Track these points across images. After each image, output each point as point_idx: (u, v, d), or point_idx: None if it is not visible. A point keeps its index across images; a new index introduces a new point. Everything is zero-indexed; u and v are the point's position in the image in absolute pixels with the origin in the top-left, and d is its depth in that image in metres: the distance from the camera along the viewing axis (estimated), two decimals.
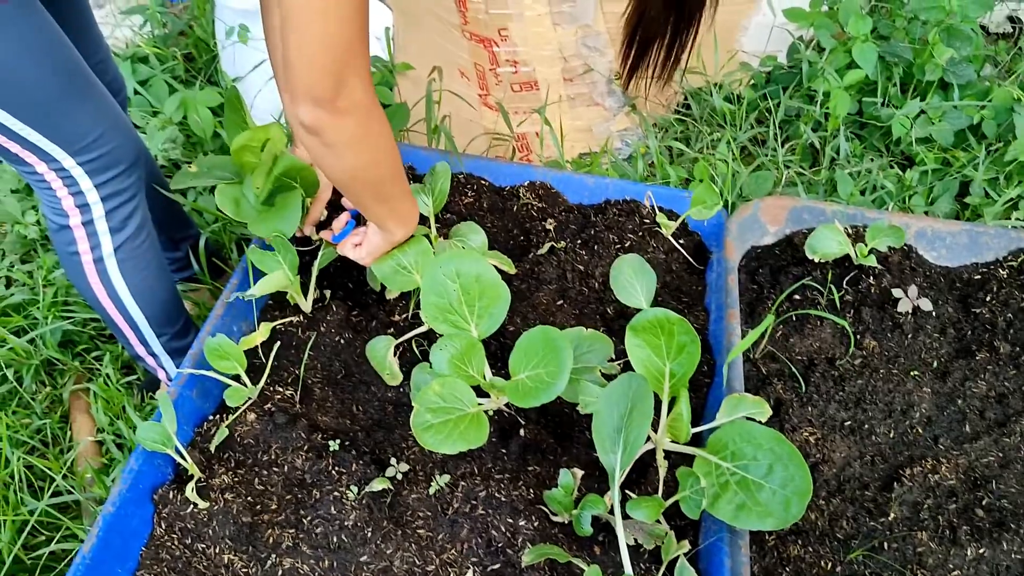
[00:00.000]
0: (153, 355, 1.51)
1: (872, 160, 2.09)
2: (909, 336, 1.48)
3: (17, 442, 1.46)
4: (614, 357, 1.30)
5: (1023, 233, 1.58)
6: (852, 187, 1.94)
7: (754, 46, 2.37)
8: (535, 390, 1.16)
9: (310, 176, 1.35)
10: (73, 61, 1.19)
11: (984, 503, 1.28)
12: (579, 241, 1.58)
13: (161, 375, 1.55)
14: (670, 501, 1.16)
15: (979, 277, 1.57)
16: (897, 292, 1.48)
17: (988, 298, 1.53)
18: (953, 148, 2.10)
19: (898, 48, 2.15)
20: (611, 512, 1.14)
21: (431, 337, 1.42)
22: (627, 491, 1.22)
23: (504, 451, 1.29)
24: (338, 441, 1.28)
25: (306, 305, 1.44)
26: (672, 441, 1.21)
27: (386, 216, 1.27)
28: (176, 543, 1.17)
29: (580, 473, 1.21)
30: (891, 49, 2.16)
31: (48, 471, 1.42)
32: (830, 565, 1.22)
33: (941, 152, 2.08)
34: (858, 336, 1.47)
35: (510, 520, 1.19)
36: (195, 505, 1.17)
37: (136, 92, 2.15)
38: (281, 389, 1.34)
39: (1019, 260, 1.56)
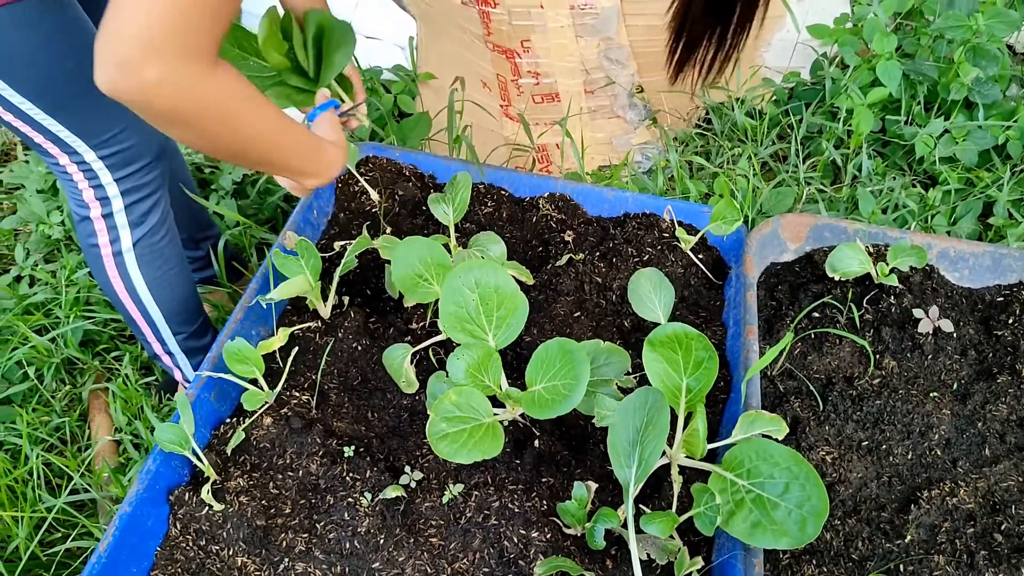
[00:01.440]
0: (170, 353, 1.52)
1: (895, 179, 2.07)
2: (929, 357, 1.47)
3: (36, 439, 1.47)
4: (631, 371, 1.30)
5: None
6: (874, 205, 1.93)
7: (777, 62, 2.37)
8: (551, 402, 1.16)
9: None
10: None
11: (1003, 528, 1.27)
12: (597, 254, 1.58)
13: (177, 375, 1.56)
14: (684, 517, 1.15)
15: (1002, 299, 1.56)
16: (918, 312, 1.47)
17: (1011, 320, 1.51)
18: (977, 168, 2.08)
19: (923, 66, 2.14)
20: (624, 526, 1.14)
21: (448, 346, 1.42)
22: (641, 505, 1.22)
23: (518, 462, 1.28)
24: (353, 447, 1.29)
25: (325, 311, 1.45)
26: (687, 456, 1.21)
27: (283, 175, 1.20)
28: (191, 544, 1.17)
29: (594, 486, 1.21)
30: (916, 67, 2.15)
31: (66, 469, 1.43)
32: None
33: (965, 172, 2.07)
34: (877, 356, 1.46)
35: (523, 531, 1.19)
36: (210, 507, 1.18)
37: None
38: (298, 394, 1.35)
39: None
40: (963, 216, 2.03)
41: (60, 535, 1.40)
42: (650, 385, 1.18)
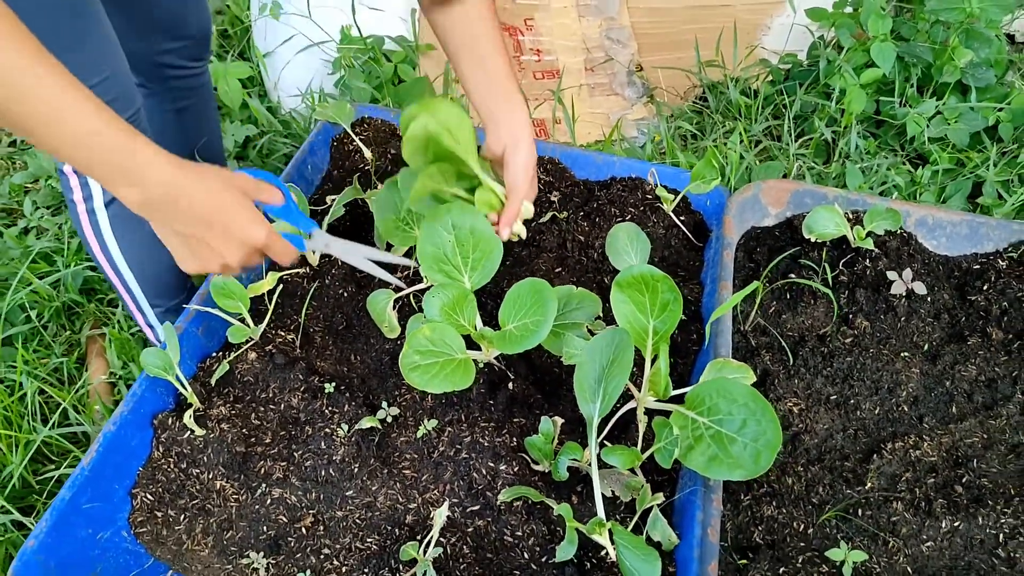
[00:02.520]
0: (143, 313, 1.53)
1: (886, 158, 2.10)
2: (902, 319, 1.50)
3: (35, 377, 1.53)
4: (602, 316, 1.33)
5: None
6: (861, 181, 1.96)
7: (775, 45, 2.40)
8: (520, 337, 1.20)
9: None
10: (78, 2, 1.12)
11: (964, 480, 1.29)
12: (581, 213, 1.62)
13: (150, 335, 1.59)
14: (647, 453, 1.19)
15: (978, 267, 1.58)
16: (892, 274, 1.50)
17: (985, 287, 1.54)
18: (968, 149, 2.11)
19: (917, 49, 2.17)
20: (588, 461, 1.18)
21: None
22: (606, 442, 1.26)
23: (492, 402, 1.33)
24: (333, 384, 1.33)
25: (314, 258, 1.50)
26: (656, 399, 1.24)
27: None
28: (172, 466, 1.22)
29: (560, 421, 1.25)
30: (910, 49, 2.17)
31: (61, 401, 1.49)
32: (802, 527, 1.24)
33: (956, 153, 2.09)
34: (850, 316, 1.49)
35: (491, 464, 1.23)
36: (192, 432, 1.23)
37: None
38: (283, 334, 1.40)
39: (1019, 251, 1.57)
40: (953, 195, 2.05)
41: (53, 466, 1.45)
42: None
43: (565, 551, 1.10)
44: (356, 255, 1.27)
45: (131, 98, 1.29)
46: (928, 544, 1.23)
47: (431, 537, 1.11)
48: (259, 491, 1.22)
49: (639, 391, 1.25)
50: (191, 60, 1.50)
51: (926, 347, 1.48)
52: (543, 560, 1.16)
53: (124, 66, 1.26)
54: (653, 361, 1.24)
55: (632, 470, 1.23)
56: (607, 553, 1.13)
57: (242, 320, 1.35)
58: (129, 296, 1.47)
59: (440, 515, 1.10)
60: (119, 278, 1.43)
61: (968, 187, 2.04)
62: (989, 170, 1.99)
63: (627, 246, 1.42)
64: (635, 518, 1.18)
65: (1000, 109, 2.09)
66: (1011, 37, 2.56)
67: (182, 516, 1.19)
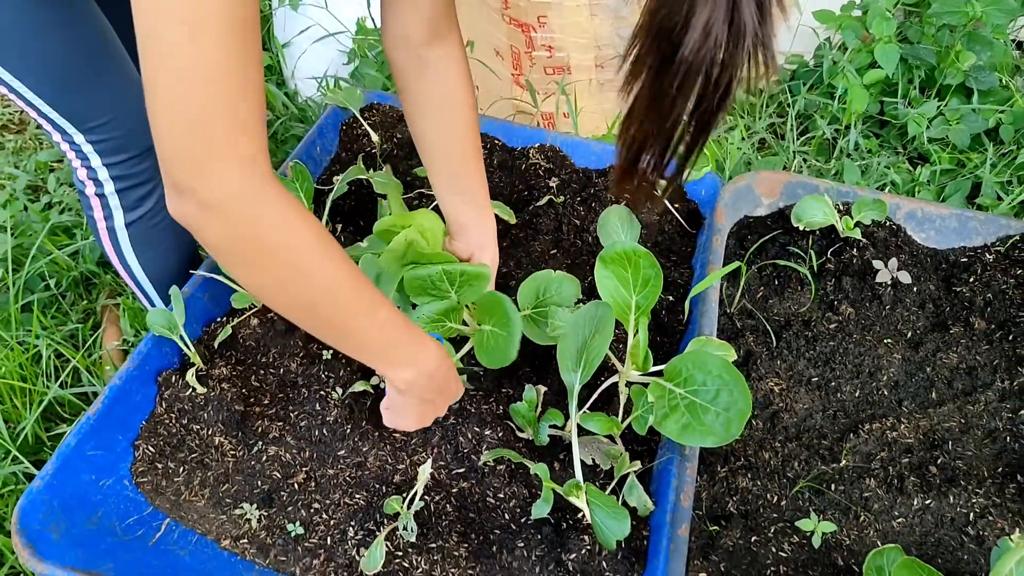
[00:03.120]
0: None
1: (887, 157, 2.13)
2: (887, 308, 1.53)
3: (51, 340, 1.61)
4: (584, 298, 1.38)
5: (1012, 220, 1.61)
6: (858, 177, 1.99)
7: (782, 45, 2.44)
8: (494, 350, 1.26)
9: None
10: (97, 42, 1.18)
11: (939, 462, 1.32)
12: (578, 199, 1.67)
13: None
14: (626, 422, 1.24)
15: (965, 260, 1.61)
16: (878, 264, 1.54)
17: (971, 279, 1.57)
18: (968, 150, 2.13)
19: (921, 51, 2.20)
20: (568, 428, 1.23)
21: None
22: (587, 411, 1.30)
23: (481, 374, 1.38)
24: (331, 352, 1.39)
25: None
26: (639, 373, 1.29)
27: (365, 358, 1.04)
28: (173, 421, 1.29)
29: (543, 389, 1.30)
30: (914, 52, 2.20)
31: (73, 361, 1.57)
32: (776, 499, 1.28)
33: (956, 153, 2.12)
34: (836, 302, 1.53)
35: (477, 430, 1.28)
36: (194, 389, 1.29)
37: None
38: None
39: (1007, 245, 1.60)
40: (951, 195, 2.07)
41: (65, 424, 1.53)
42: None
43: (540, 509, 1.15)
44: None
45: (144, 134, 1.32)
46: (899, 520, 1.26)
47: (415, 492, 1.16)
48: (255, 448, 1.28)
49: (622, 364, 1.30)
50: None
51: (909, 335, 1.51)
52: (522, 521, 1.20)
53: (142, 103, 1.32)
54: (636, 335, 1.28)
55: (612, 439, 1.27)
56: (583, 515, 1.18)
57: None
58: (143, 295, 1.50)
59: (424, 471, 1.15)
60: (136, 286, 1.46)
61: (967, 187, 2.06)
62: (988, 171, 2.02)
63: (618, 228, 1.46)
64: (613, 483, 1.23)
65: (1002, 112, 2.11)
66: (1020, 44, 2.57)
67: (181, 468, 1.25)
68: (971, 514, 1.26)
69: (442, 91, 1.24)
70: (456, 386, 1.21)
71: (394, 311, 1.00)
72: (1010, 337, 1.48)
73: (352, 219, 1.65)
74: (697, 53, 0.72)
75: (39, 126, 1.27)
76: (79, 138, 1.24)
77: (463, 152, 1.31)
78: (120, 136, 1.26)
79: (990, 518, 1.26)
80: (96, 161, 1.28)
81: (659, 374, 1.29)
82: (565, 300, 1.36)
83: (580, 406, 1.27)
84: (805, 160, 2.10)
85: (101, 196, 1.33)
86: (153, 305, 1.54)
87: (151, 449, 1.26)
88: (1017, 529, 1.21)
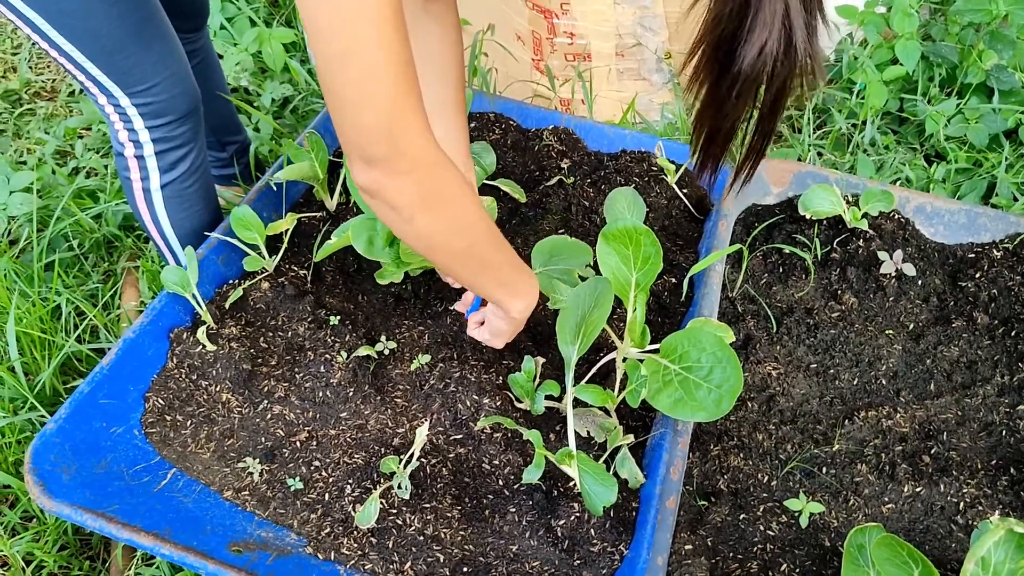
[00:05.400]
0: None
1: (904, 153, 2.13)
2: (891, 299, 1.54)
3: (72, 297, 1.66)
4: (593, 265, 1.40)
5: (1022, 218, 1.61)
6: (872, 172, 1.99)
7: None
8: None
9: None
10: (147, 8, 1.26)
11: (932, 452, 1.34)
12: (588, 180, 1.69)
13: None
14: (620, 396, 1.26)
15: (972, 255, 1.62)
16: (883, 255, 1.55)
17: (977, 274, 1.57)
18: (986, 150, 2.12)
19: (943, 49, 2.19)
20: (564, 398, 1.25)
21: None
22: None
23: (483, 345, 1.41)
24: (339, 318, 1.43)
25: (331, 204, 1.60)
26: (638, 349, 1.31)
27: (493, 289, 1.18)
28: (183, 376, 1.33)
29: (542, 360, 1.33)
30: (936, 49, 2.20)
31: (93, 319, 1.61)
32: (767, 479, 1.29)
33: (974, 152, 2.11)
34: (839, 292, 1.54)
35: (476, 398, 1.31)
36: (204, 347, 1.33)
37: (222, 27, 2.38)
38: (296, 269, 1.50)
39: (1015, 242, 1.60)
40: (967, 194, 2.07)
41: (83, 379, 1.57)
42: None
43: (531, 474, 1.17)
44: None
45: (193, 92, 1.38)
46: (889, 506, 1.28)
47: (411, 452, 1.20)
48: (261, 406, 1.32)
49: (621, 341, 1.32)
50: (184, 33, 1.55)
51: (911, 327, 1.52)
52: (515, 487, 1.23)
53: (187, 64, 1.38)
54: (635, 312, 1.31)
55: (607, 411, 1.30)
56: (575, 485, 1.21)
57: (258, 252, 1.45)
58: (171, 254, 1.55)
59: (421, 432, 1.18)
60: (166, 244, 1.52)
61: (983, 187, 2.06)
62: (1005, 171, 2.01)
63: (624, 209, 1.49)
64: (605, 455, 1.25)
65: (1023, 112, 2.10)
66: None
67: (189, 422, 1.29)
68: (961, 503, 1.28)
69: (438, 42, 1.29)
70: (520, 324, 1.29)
71: (515, 253, 1.18)
72: (1013, 333, 1.49)
73: None
74: (753, 67, 0.83)
75: (83, 90, 1.33)
76: (124, 101, 1.30)
77: (451, 103, 1.34)
78: (164, 100, 1.32)
79: (980, 508, 1.27)
80: (139, 124, 1.33)
81: (657, 351, 1.32)
82: (577, 264, 1.38)
83: (579, 380, 1.30)
84: (820, 154, 2.10)
85: (140, 158, 1.38)
86: (178, 262, 1.58)
87: (161, 402, 1.30)
88: (997, 512, 1.22)
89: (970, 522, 1.26)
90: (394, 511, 1.19)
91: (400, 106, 0.88)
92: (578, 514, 1.18)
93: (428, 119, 0.94)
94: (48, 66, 2.43)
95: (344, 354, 1.36)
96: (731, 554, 1.21)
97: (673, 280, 1.53)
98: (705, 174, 1.04)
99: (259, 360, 1.37)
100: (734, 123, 0.94)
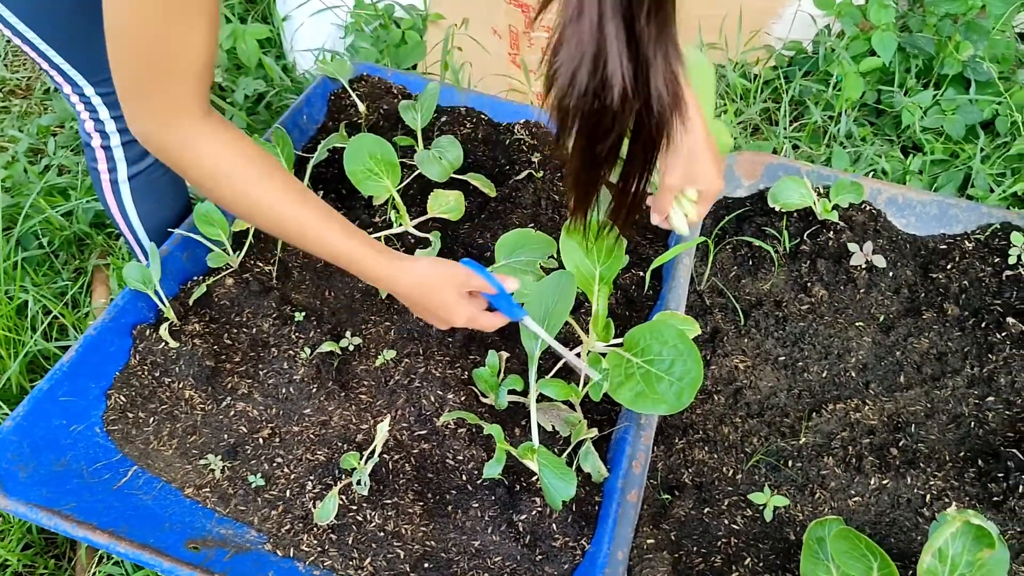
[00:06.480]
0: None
1: (880, 145, 2.12)
2: (861, 291, 1.53)
3: (40, 296, 1.65)
4: (556, 256, 1.39)
5: (993, 209, 1.61)
6: (847, 164, 1.99)
7: (780, 32, 2.43)
8: None
9: None
10: None
11: (900, 444, 1.33)
12: (559, 174, 1.68)
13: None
14: (584, 390, 1.25)
15: (944, 247, 1.61)
16: (852, 247, 1.54)
17: (948, 266, 1.57)
18: (962, 141, 2.12)
19: (919, 40, 2.18)
20: (527, 393, 1.24)
21: (402, 238, 1.55)
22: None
23: (450, 340, 1.40)
24: (304, 314, 1.42)
25: None
26: (604, 344, 1.30)
27: (363, 279, 1.20)
28: (146, 373, 1.32)
29: (506, 355, 1.32)
30: (912, 41, 2.19)
31: (61, 318, 1.60)
32: (732, 472, 1.29)
33: (950, 144, 2.11)
34: (809, 284, 1.53)
35: (440, 393, 1.31)
36: (167, 343, 1.32)
37: None
38: (262, 265, 1.49)
39: (986, 233, 1.60)
40: (944, 186, 2.06)
41: None
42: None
43: (492, 468, 1.17)
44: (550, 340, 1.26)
45: None
46: (855, 499, 1.27)
47: (373, 447, 1.19)
48: (224, 403, 1.31)
49: (587, 336, 1.32)
50: None
51: (882, 319, 1.51)
52: (479, 482, 1.23)
53: None
54: (597, 305, 1.30)
55: (571, 406, 1.29)
56: (537, 479, 1.20)
57: (222, 248, 1.44)
58: (139, 248, 1.54)
59: (382, 428, 1.18)
60: (134, 237, 1.51)
61: (960, 178, 2.05)
62: (981, 162, 2.00)
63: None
64: (569, 449, 1.25)
65: (999, 103, 2.09)
66: (1022, 36, 2.55)
67: (151, 419, 1.28)
68: (928, 496, 1.27)
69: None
70: (447, 309, 1.20)
71: (359, 251, 1.12)
72: (983, 324, 1.48)
73: (335, 188, 1.67)
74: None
75: (50, 81, 1.31)
76: (89, 90, 1.29)
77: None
78: None
79: (946, 500, 1.27)
80: (104, 113, 1.32)
81: (621, 345, 1.31)
82: (540, 256, 1.37)
83: (544, 374, 1.30)
84: (796, 146, 2.09)
85: (107, 148, 1.37)
86: (147, 255, 1.57)
87: (123, 399, 1.29)
88: (955, 504, 1.21)
89: (936, 515, 1.26)
90: (355, 507, 1.18)
91: (148, 85, 0.95)
92: (540, 509, 1.18)
93: (196, 96, 0.97)
94: (23, 64, 2.42)
95: (308, 350, 1.35)
96: (695, 548, 1.20)
97: (641, 274, 1.52)
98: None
99: (223, 357, 1.36)
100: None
